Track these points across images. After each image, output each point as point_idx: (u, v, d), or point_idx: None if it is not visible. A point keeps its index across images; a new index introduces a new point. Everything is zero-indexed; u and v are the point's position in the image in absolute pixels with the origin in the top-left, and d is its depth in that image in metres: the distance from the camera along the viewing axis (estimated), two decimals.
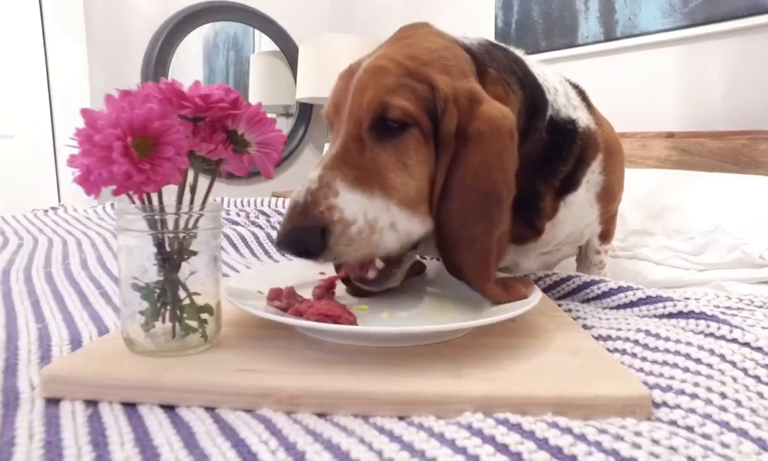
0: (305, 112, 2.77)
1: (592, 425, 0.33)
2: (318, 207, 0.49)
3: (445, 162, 0.54)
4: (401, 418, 0.36)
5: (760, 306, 0.59)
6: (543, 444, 0.31)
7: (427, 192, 0.55)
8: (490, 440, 0.32)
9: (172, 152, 0.34)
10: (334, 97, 0.58)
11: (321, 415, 0.36)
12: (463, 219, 0.53)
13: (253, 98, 2.89)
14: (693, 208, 0.96)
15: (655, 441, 0.32)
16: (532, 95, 0.64)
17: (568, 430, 0.33)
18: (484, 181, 0.53)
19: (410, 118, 0.53)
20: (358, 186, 0.51)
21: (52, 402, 0.38)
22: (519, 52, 0.70)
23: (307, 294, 0.54)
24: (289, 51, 2.71)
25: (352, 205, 0.50)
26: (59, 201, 2.19)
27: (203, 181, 0.44)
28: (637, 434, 0.33)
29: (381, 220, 0.52)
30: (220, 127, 0.39)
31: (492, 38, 2.07)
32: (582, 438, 0.32)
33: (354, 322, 0.44)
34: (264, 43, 2.91)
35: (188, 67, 2.71)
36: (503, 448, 0.31)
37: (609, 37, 1.57)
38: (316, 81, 2.36)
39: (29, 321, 0.56)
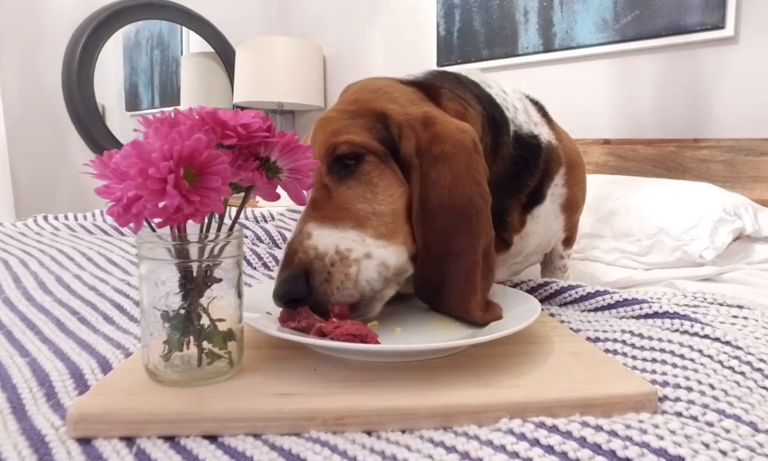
0: None
1: (618, 421, 0.37)
2: (297, 254, 0.53)
3: (417, 183, 0.55)
4: (444, 429, 0.38)
5: (712, 303, 0.67)
6: (583, 442, 0.35)
7: (404, 217, 0.56)
8: (536, 443, 0.35)
9: (219, 182, 0.34)
10: None
11: (368, 433, 0.38)
12: (446, 236, 0.54)
13: (186, 101, 2.78)
14: (637, 212, 1.05)
15: (673, 432, 0.36)
16: (492, 112, 0.67)
17: (600, 428, 0.37)
18: (459, 196, 0.54)
19: (360, 148, 0.55)
20: (329, 222, 0.54)
21: (84, 441, 0.37)
22: (474, 75, 0.73)
23: None
24: (224, 53, 2.64)
25: (324, 239, 0.53)
26: None
27: None
28: (656, 426, 0.37)
29: (355, 251, 0.52)
30: (252, 154, 0.39)
31: (434, 45, 2.11)
32: (614, 434, 0.36)
33: (376, 340, 0.46)
34: (193, 42, 2.80)
35: (106, 65, 2.57)
36: (550, 449, 0.34)
37: (548, 48, 1.67)
38: (255, 84, 2.32)
39: (13, 356, 0.53)
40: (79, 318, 0.65)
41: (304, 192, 0.42)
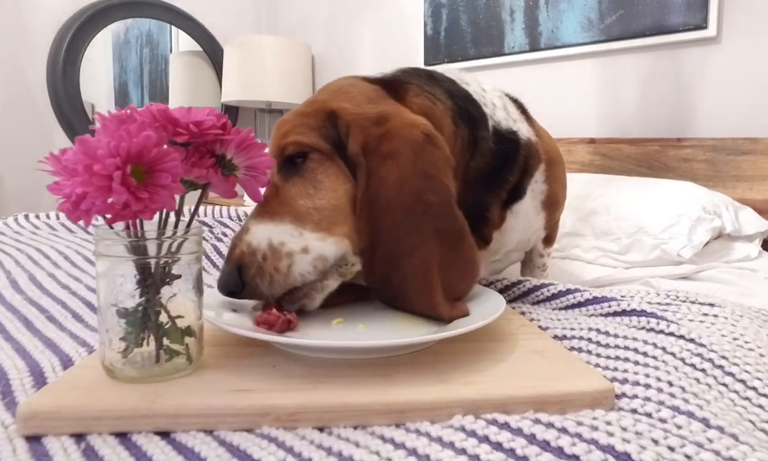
0: (231, 115, 2.70)
1: (570, 418, 0.37)
2: (236, 249, 0.55)
3: (362, 181, 0.55)
4: (397, 426, 0.38)
5: (684, 301, 0.67)
6: (532, 439, 0.35)
7: (349, 212, 0.56)
8: (485, 439, 0.35)
9: (169, 179, 0.34)
10: None
11: (320, 429, 0.37)
12: (396, 234, 0.53)
13: (174, 99, 2.77)
14: (617, 211, 1.06)
15: (624, 429, 0.36)
16: (465, 107, 0.67)
17: (551, 425, 0.36)
18: (406, 193, 0.53)
19: (306, 147, 0.57)
20: (267, 217, 0.55)
21: (34, 439, 0.37)
22: (451, 73, 0.72)
23: None
24: (212, 51, 2.63)
25: (258, 234, 0.54)
26: None
27: None
28: (608, 423, 0.37)
29: (290, 244, 0.54)
30: (208, 152, 0.39)
31: (421, 45, 2.10)
32: (564, 431, 0.36)
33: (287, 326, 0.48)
34: (182, 41, 2.78)
35: (96, 63, 2.55)
36: (498, 446, 0.34)
37: (533, 47, 1.67)
38: (243, 83, 2.31)
39: None
40: (47, 316, 0.65)
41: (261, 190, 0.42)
